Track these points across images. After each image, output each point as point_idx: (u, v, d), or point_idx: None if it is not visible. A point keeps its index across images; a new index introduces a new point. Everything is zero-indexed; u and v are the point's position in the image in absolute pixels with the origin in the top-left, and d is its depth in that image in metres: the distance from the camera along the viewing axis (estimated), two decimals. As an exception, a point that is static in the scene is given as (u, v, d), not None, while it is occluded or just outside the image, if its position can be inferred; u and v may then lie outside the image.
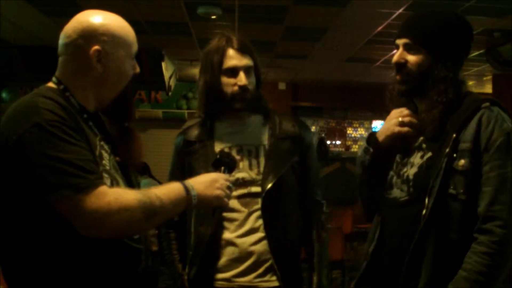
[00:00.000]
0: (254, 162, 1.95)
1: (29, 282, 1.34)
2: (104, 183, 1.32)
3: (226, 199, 1.56)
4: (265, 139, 1.99)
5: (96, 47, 1.42)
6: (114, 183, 1.41)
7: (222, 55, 1.91)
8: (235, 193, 1.89)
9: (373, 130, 8.95)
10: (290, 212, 1.96)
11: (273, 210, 1.91)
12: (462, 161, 1.52)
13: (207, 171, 1.85)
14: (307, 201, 2.02)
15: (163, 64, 6.55)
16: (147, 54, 5.98)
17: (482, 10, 4.66)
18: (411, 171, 1.64)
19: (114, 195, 1.30)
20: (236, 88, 1.90)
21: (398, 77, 1.67)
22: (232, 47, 1.91)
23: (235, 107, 1.94)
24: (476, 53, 6.30)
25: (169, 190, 1.42)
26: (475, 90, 9.19)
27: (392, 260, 1.64)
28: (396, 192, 1.67)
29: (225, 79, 1.91)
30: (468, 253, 1.49)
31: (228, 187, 1.57)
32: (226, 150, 1.95)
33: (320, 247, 2.01)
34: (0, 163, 1.31)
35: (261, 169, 1.94)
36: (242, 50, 1.91)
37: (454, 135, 1.54)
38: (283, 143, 1.97)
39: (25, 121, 1.28)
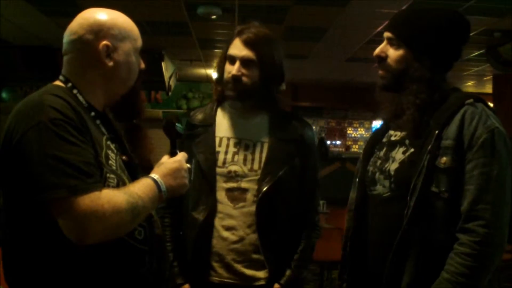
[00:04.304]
0: (249, 157, 1.96)
1: (30, 282, 1.34)
2: (101, 188, 1.28)
3: (187, 182, 1.53)
4: (265, 138, 1.99)
5: (105, 41, 1.41)
6: (120, 184, 1.38)
7: (229, 43, 1.98)
8: (224, 185, 1.93)
9: (373, 130, 8.95)
10: (285, 213, 1.96)
11: (267, 211, 1.91)
12: (444, 159, 1.47)
13: (207, 157, 1.94)
14: (303, 202, 2.01)
15: (163, 64, 6.56)
16: (147, 54, 5.95)
17: (482, 10, 4.65)
18: (392, 166, 1.60)
19: (106, 197, 1.26)
20: (229, 75, 1.94)
21: (379, 71, 1.65)
22: (240, 38, 1.95)
23: (226, 94, 1.99)
24: (476, 53, 6.31)
25: (146, 187, 1.38)
26: (475, 90, 9.19)
27: (376, 258, 1.61)
28: (379, 189, 1.63)
29: (226, 66, 1.97)
30: (451, 254, 1.44)
31: (188, 169, 1.54)
32: (225, 140, 1.98)
33: (304, 245, 1.99)
34: (5, 161, 1.30)
35: (255, 165, 1.95)
36: (248, 42, 1.93)
37: (437, 132, 1.49)
38: (284, 145, 1.97)
39: (30, 119, 1.27)
